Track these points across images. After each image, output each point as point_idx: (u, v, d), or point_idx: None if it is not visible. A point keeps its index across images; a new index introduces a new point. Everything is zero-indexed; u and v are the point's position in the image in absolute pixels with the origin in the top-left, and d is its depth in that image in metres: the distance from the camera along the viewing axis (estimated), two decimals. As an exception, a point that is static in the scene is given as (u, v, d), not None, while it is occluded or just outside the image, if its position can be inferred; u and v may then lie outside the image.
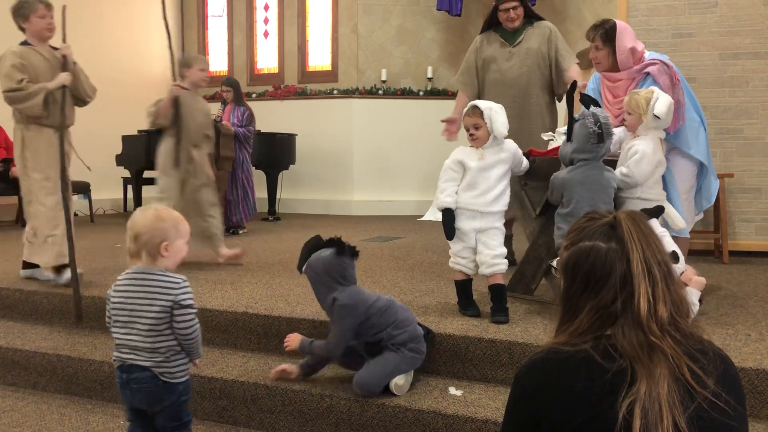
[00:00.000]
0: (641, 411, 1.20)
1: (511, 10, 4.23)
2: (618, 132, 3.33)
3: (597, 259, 1.34)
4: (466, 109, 3.07)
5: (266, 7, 9.74)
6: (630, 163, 3.05)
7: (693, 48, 5.02)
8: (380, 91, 8.93)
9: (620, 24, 3.56)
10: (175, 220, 2.10)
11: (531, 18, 4.33)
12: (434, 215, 7.69)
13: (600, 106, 3.19)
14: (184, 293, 2.03)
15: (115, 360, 2.10)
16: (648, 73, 3.47)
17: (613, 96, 3.60)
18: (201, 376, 2.88)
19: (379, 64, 9.07)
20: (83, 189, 7.66)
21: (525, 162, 3.20)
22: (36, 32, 3.96)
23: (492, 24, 4.38)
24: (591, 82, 3.84)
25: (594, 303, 1.34)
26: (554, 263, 3.08)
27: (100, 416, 2.90)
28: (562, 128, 3.56)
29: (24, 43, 3.98)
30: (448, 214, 3.03)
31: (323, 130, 9.04)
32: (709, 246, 5.02)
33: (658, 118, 3.08)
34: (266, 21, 9.76)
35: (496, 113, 2.98)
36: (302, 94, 9.28)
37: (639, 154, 3.05)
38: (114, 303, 2.09)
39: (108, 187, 8.58)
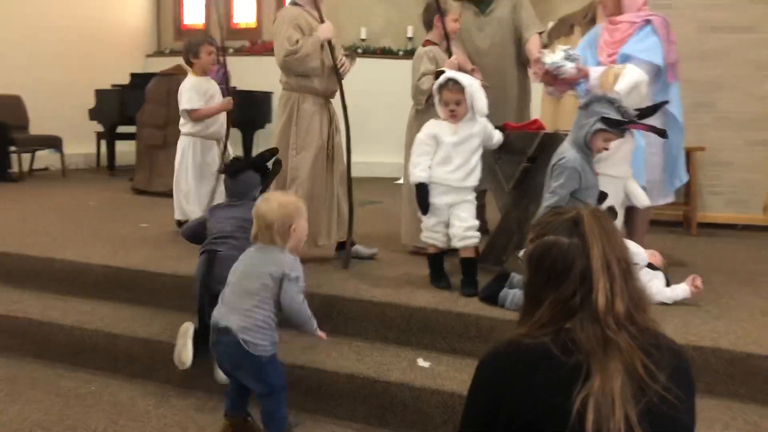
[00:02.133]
0: (594, 405, 1.24)
1: None
2: None
3: (559, 254, 1.38)
4: (443, 81, 3.04)
5: (244, -40, 9.50)
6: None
7: (671, 20, 4.96)
8: (360, 50, 8.81)
9: None
10: (295, 202, 2.34)
11: None
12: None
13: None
14: (297, 268, 2.27)
15: (212, 320, 2.31)
16: (649, 21, 3.46)
17: (611, 38, 3.57)
18: (172, 343, 2.90)
19: (359, 22, 8.93)
20: (55, 143, 7.54)
21: (497, 136, 3.20)
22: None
23: None
24: (590, 32, 3.81)
25: (555, 296, 1.37)
26: (520, 254, 3.12)
27: (71, 381, 2.92)
28: (561, 47, 3.54)
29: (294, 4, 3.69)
30: (423, 189, 3.04)
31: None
32: (678, 217, 5.11)
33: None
34: (244, -26, 9.53)
35: (477, 90, 2.98)
36: (280, 51, 9.12)
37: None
38: (238, 267, 2.33)
39: (81, 141, 8.44)
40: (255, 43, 9.27)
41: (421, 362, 2.68)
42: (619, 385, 1.27)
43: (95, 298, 3.45)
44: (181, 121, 4.37)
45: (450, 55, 3.67)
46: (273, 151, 3.10)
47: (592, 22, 5.01)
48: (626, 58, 3.38)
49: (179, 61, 7.27)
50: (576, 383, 1.28)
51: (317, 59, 3.47)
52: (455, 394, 2.42)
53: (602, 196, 2.87)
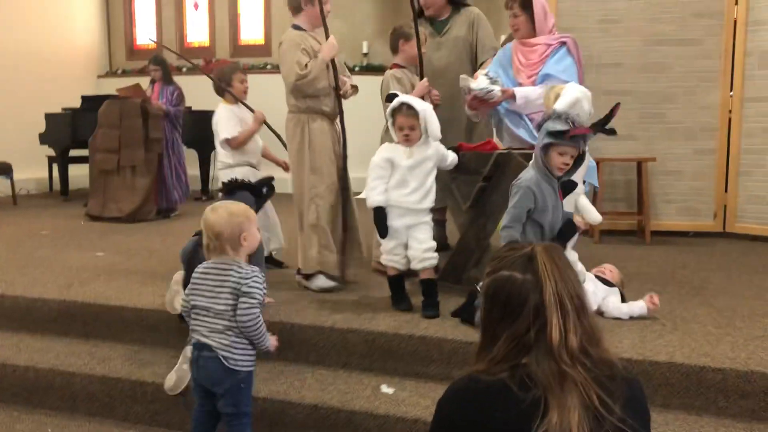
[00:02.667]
0: None
1: None
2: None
3: (513, 290, 1.40)
4: (396, 105, 3.06)
5: (195, -22, 9.43)
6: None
7: (619, 33, 5.15)
8: (315, 66, 8.82)
9: None
10: (245, 210, 2.31)
11: (458, 5, 4.20)
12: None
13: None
14: (251, 282, 2.21)
15: (191, 339, 2.32)
16: (564, 43, 3.65)
17: (527, 60, 3.74)
18: (132, 380, 2.85)
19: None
20: (4, 170, 7.34)
21: (450, 157, 3.23)
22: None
23: (422, 12, 4.24)
24: (499, 53, 3.95)
25: (510, 332, 1.39)
26: (479, 286, 3.15)
27: (27, 424, 2.84)
28: (482, 72, 3.65)
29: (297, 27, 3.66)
30: (380, 213, 3.05)
31: (257, 105, 8.83)
32: (632, 227, 5.23)
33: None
34: (196, -8, 9.46)
35: (431, 115, 3.01)
36: (235, 69, 9.06)
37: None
38: (194, 289, 2.28)
39: (31, 166, 8.23)
40: (209, 62, 9.19)
41: (385, 388, 2.68)
42: (576, 419, 1.29)
43: (50, 334, 3.37)
44: (221, 153, 4.13)
45: (422, 77, 3.75)
46: (269, 179, 3.41)
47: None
48: (546, 78, 3.55)
49: (130, 81, 7.21)
50: (534, 419, 1.29)
51: (325, 80, 3.51)
52: (419, 421, 2.43)
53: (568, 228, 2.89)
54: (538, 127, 2.82)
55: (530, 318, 1.37)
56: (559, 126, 2.67)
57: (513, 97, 3.57)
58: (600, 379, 1.36)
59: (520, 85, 3.72)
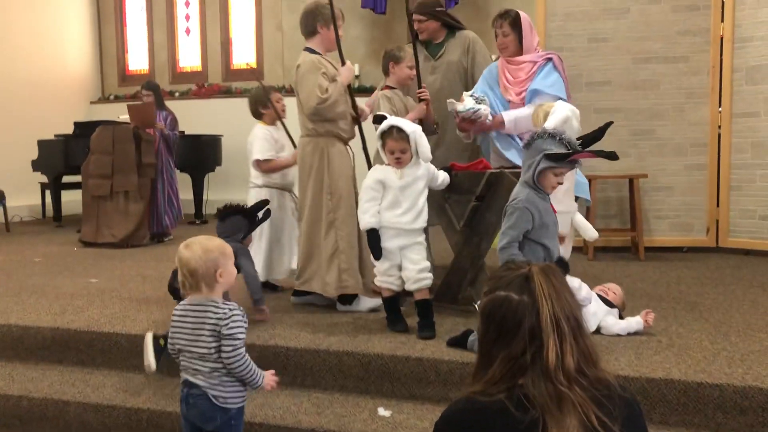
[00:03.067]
0: None
1: (417, 23, 4.16)
2: None
3: (509, 311, 1.40)
4: (385, 128, 3.07)
5: (187, 4, 9.49)
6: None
7: (608, 52, 5.21)
8: (307, 89, 8.87)
9: (522, 13, 3.81)
10: (220, 246, 2.22)
11: (453, 29, 4.26)
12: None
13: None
14: (230, 323, 2.12)
15: (181, 376, 2.25)
16: (549, 59, 3.74)
17: (514, 77, 3.81)
18: (127, 407, 2.83)
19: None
20: (-3, 197, 7.32)
21: (441, 177, 3.25)
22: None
23: (417, 37, 4.27)
24: (485, 72, 4.01)
25: (506, 354, 1.39)
26: (476, 305, 3.16)
27: (21, 454, 2.81)
28: (467, 93, 3.70)
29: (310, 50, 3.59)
30: (374, 235, 3.06)
31: (249, 129, 8.86)
32: (626, 243, 5.24)
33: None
34: (188, 18, 9.52)
35: (420, 137, 3.02)
36: (227, 93, 9.11)
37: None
38: (173, 331, 2.22)
39: (24, 193, 8.22)
40: (201, 87, 9.24)
41: (382, 411, 2.66)
42: None
43: (43, 362, 3.34)
44: (251, 173, 4.08)
45: (419, 100, 3.82)
46: (264, 202, 3.55)
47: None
48: (535, 93, 3.62)
49: (124, 107, 7.22)
50: None
51: (344, 104, 3.49)
52: (417, 443, 2.41)
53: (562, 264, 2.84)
54: (527, 145, 2.78)
55: (526, 339, 1.37)
56: (556, 148, 2.64)
57: (502, 124, 3.65)
58: (598, 398, 1.35)
59: (509, 102, 3.78)
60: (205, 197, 7.97)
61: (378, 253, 3.06)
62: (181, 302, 2.25)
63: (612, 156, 2.68)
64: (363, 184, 3.13)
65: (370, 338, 3.03)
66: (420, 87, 3.84)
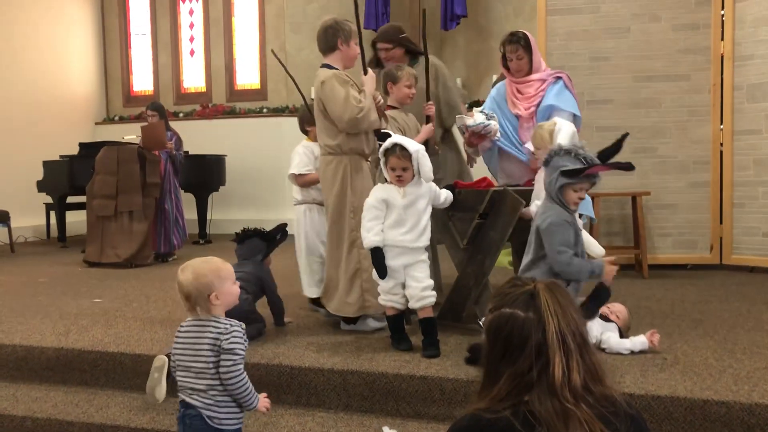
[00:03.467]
0: None
1: (384, 51, 4.14)
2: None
3: (515, 328, 1.40)
4: (389, 146, 3.09)
5: (191, 26, 9.61)
6: (543, 196, 3.15)
7: (609, 71, 5.25)
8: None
9: (528, 33, 3.87)
10: (214, 269, 2.20)
11: (416, 55, 4.21)
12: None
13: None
14: (230, 338, 2.12)
15: (178, 396, 2.24)
16: (559, 77, 3.80)
17: (522, 94, 3.87)
18: (131, 427, 2.82)
19: (308, 82, 9.00)
20: (2, 217, 7.35)
21: (443, 195, 3.26)
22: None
23: (379, 62, 4.25)
24: (493, 92, 4.05)
25: (512, 371, 1.39)
26: (481, 322, 3.16)
27: (25, 475, 2.79)
28: (477, 109, 3.74)
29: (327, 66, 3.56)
30: (378, 253, 3.06)
31: (253, 149, 8.96)
32: (630, 260, 5.24)
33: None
34: (192, 39, 9.62)
35: (423, 156, 3.03)
36: (231, 113, 9.18)
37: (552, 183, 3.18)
38: (176, 348, 2.22)
39: (29, 213, 8.26)
40: (206, 107, 9.31)
41: (387, 430, 2.65)
42: None
43: (47, 382, 3.34)
44: (294, 189, 4.10)
45: (428, 120, 3.82)
46: (283, 225, 3.70)
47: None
48: (551, 109, 3.64)
49: (129, 128, 7.28)
50: None
51: (375, 113, 3.44)
52: (422, 462, 2.40)
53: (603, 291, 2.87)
54: (546, 163, 2.79)
55: (532, 356, 1.37)
56: (572, 164, 2.63)
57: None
58: (604, 415, 1.35)
59: (517, 116, 3.81)
60: (209, 217, 8.00)
61: (383, 271, 3.07)
62: (186, 320, 2.25)
63: (628, 167, 2.66)
64: (366, 202, 3.14)
65: (374, 357, 3.02)
66: (428, 101, 3.85)
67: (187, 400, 2.17)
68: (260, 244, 3.62)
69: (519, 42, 3.80)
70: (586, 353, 1.39)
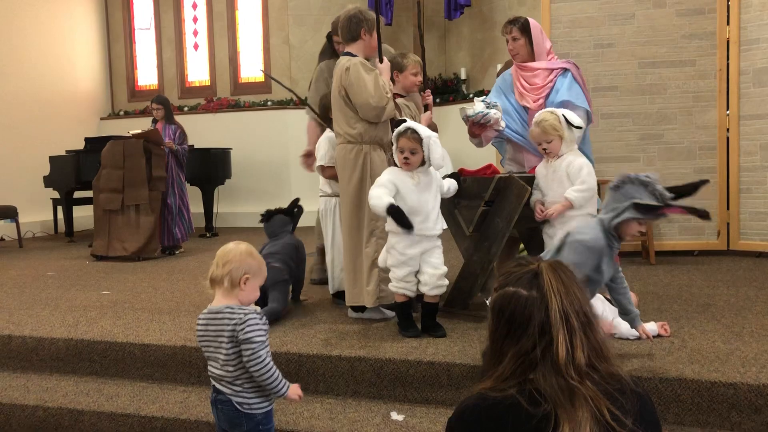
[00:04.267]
0: None
1: (340, 45, 4.02)
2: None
3: (518, 306, 1.41)
4: (402, 130, 3.08)
5: (195, 20, 9.60)
6: (583, 177, 3.17)
7: (614, 57, 5.22)
8: (315, 101, 8.92)
9: (531, 19, 3.80)
10: (262, 261, 2.24)
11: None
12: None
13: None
14: (246, 327, 2.10)
15: (210, 376, 2.25)
16: (566, 69, 3.72)
17: (530, 84, 3.80)
18: (141, 415, 2.84)
19: (312, 74, 9.03)
20: (9, 213, 7.39)
21: (447, 184, 3.26)
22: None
23: (334, 53, 4.27)
24: (499, 80, 4.01)
25: (515, 350, 1.40)
26: (488, 301, 3.17)
27: (37, 464, 2.82)
28: (478, 99, 3.71)
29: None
30: (396, 210, 2.99)
31: (258, 142, 8.98)
32: (637, 247, 5.23)
33: (579, 127, 3.21)
34: (195, 33, 9.62)
35: (435, 143, 3.03)
36: (235, 107, 9.19)
37: (586, 167, 3.20)
38: (199, 340, 2.24)
39: (36, 209, 8.30)
40: (210, 101, 9.32)
41: (395, 415, 2.66)
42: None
43: (58, 372, 3.37)
44: (321, 181, 4.02)
45: (426, 108, 3.81)
46: (296, 200, 4.11)
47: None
48: (564, 104, 3.58)
49: (134, 122, 7.29)
50: None
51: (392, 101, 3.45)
52: (430, 446, 2.41)
53: None
54: (616, 188, 2.59)
55: (536, 335, 1.37)
56: (647, 198, 2.50)
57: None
58: (610, 392, 1.36)
59: (526, 108, 3.78)
60: (215, 210, 8.02)
61: (409, 224, 3.00)
62: (202, 312, 2.26)
63: (704, 215, 2.53)
64: (376, 180, 3.13)
65: (381, 344, 3.03)
66: (425, 89, 3.86)
67: (217, 386, 2.20)
68: (285, 218, 4.04)
69: (514, 23, 3.77)
70: (590, 332, 1.39)
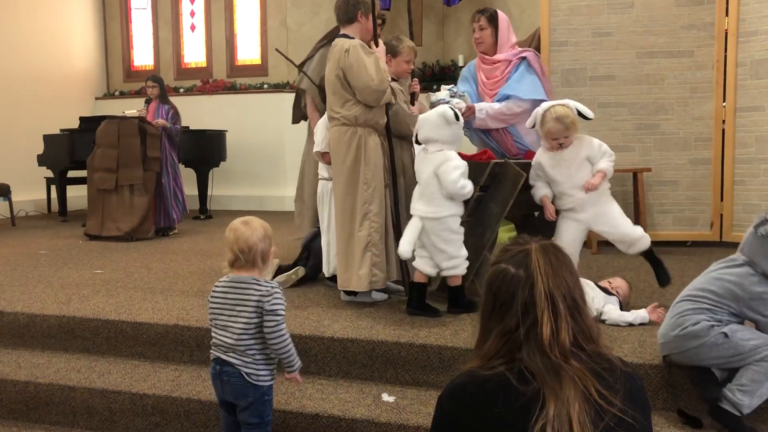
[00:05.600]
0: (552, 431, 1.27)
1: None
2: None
3: (503, 283, 1.42)
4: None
5: (192, 0, 9.53)
6: (605, 149, 3.25)
7: (612, 46, 5.21)
8: (313, 87, 8.89)
9: (500, 12, 3.85)
10: (269, 229, 2.33)
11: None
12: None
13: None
14: (273, 300, 2.20)
15: (211, 354, 2.32)
16: (523, 58, 3.73)
17: (488, 78, 3.83)
18: (132, 393, 2.84)
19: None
20: (2, 191, 7.35)
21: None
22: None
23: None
24: (465, 71, 4.03)
25: (500, 328, 1.41)
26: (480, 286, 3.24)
27: (27, 439, 2.83)
28: (445, 87, 3.71)
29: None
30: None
31: (254, 124, 8.94)
32: (630, 237, 5.23)
33: (587, 118, 3.22)
34: (192, 14, 9.55)
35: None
36: (232, 89, 9.15)
37: (597, 141, 3.27)
38: (213, 307, 2.29)
39: (30, 187, 8.26)
40: (206, 83, 9.27)
41: (386, 397, 2.68)
42: (576, 410, 1.30)
43: (49, 349, 3.37)
44: (320, 166, 3.96)
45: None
46: None
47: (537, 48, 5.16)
48: (506, 98, 3.59)
49: (129, 103, 7.24)
50: (533, 411, 1.30)
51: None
52: (421, 428, 2.43)
53: None
54: (756, 227, 2.38)
55: (518, 314, 1.38)
56: None
57: (473, 113, 3.70)
58: (597, 371, 1.36)
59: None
60: (209, 192, 8.00)
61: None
62: (220, 280, 2.31)
63: None
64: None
65: (374, 325, 3.04)
66: (413, 79, 3.86)
67: (223, 357, 2.25)
68: None
69: (484, 13, 3.80)
70: (578, 315, 1.39)
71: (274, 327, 2.20)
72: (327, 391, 2.76)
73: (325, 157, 3.86)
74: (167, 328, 3.18)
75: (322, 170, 3.95)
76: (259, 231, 2.26)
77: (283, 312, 2.22)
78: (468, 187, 3.10)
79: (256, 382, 2.25)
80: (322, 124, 3.91)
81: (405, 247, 3.09)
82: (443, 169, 3.08)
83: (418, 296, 3.24)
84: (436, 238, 3.12)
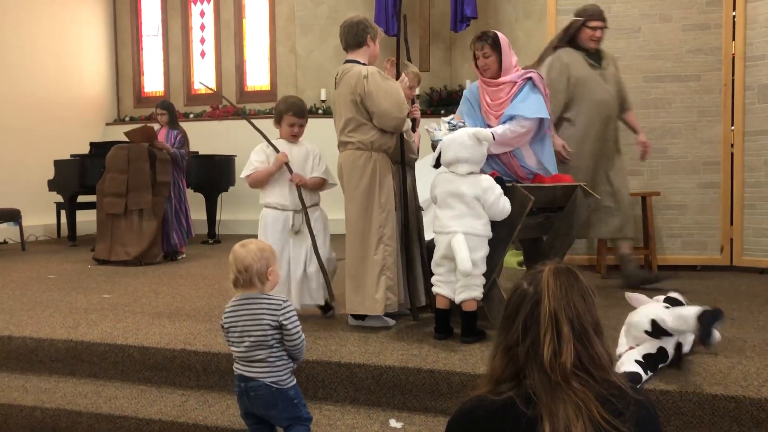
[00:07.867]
0: None
1: (598, 30, 4.46)
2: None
3: (513, 296, 1.46)
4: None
5: (202, 27, 9.66)
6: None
7: (621, 69, 5.22)
8: (320, 111, 8.95)
9: (500, 34, 3.82)
10: (270, 248, 2.44)
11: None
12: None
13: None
14: (286, 314, 2.33)
15: (235, 370, 2.41)
16: (529, 78, 3.72)
17: (493, 99, 3.81)
18: (138, 418, 2.83)
19: (318, 84, 9.08)
20: (13, 216, 7.40)
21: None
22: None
23: (571, 41, 4.53)
24: (467, 92, 4.01)
25: (505, 343, 1.43)
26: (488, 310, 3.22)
27: (33, 464, 2.81)
28: (446, 119, 3.68)
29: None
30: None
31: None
32: (639, 261, 5.21)
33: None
34: (202, 41, 9.67)
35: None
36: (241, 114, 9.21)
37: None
38: (228, 324, 2.38)
39: (40, 212, 8.32)
40: (216, 108, 9.35)
41: (394, 423, 2.65)
42: (579, 430, 1.29)
43: (57, 374, 3.36)
44: (263, 193, 3.92)
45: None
46: None
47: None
48: (511, 118, 3.59)
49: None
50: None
51: None
52: (429, 454, 2.40)
53: None
54: None
55: (519, 330, 1.39)
56: None
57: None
58: (604, 396, 1.35)
59: (488, 126, 3.77)
60: (218, 217, 8.02)
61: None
62: (231, 300, 2.39)
63: None
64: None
65: (381, 351, 3.02)
66: (413, 104, 3.88)
67: (246, 374, 2.33)
68: None
69: (485, 40, 3.76)
70: (587, 341, 1.38)
71: (294, 334, 2.33)
72: (334, 417, 2.73)
73: (247, 180, 3.79)
74: (174, 353, 3.17)
75: (269, 197, 3.82)
76: (254, 252, 2.35)
77: (297, 321, 2.34)
78: (508, 206, 3.21)
79: (282, 387, 2.34)
80: (260, 148, 3.88)
81: (469, 264, 3.04)
82: (492, 200, 3.16)
83: (444, 321, 3.22)
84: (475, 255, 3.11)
